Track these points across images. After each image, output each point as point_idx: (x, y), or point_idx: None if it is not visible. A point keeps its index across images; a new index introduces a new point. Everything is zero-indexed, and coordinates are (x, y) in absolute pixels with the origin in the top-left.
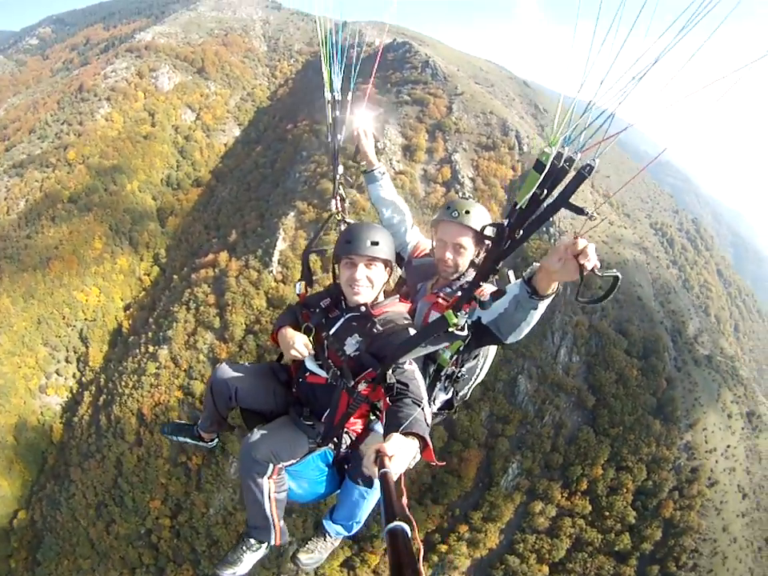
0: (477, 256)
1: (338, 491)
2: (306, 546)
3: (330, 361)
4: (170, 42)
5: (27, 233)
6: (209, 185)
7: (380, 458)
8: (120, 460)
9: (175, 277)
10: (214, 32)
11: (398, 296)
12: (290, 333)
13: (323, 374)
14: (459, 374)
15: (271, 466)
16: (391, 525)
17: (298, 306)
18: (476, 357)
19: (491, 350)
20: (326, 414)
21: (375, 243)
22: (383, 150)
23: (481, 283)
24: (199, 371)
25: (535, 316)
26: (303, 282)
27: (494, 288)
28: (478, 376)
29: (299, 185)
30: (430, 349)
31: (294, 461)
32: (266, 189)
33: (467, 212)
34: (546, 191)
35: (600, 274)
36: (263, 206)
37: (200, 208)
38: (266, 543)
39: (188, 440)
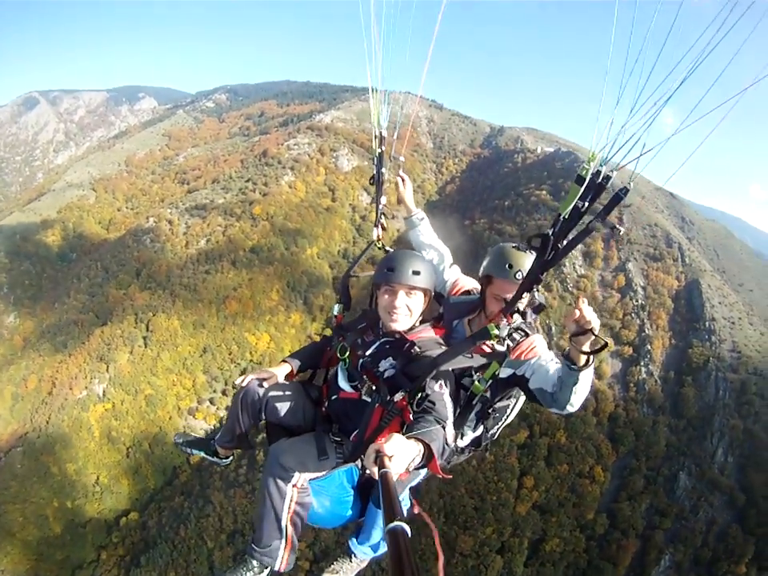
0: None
1: (362, 518)
2: (332, 566)
3: (364, 377)
4: (347, 127)
5: (206, 269)
6: None
7: (380, 457)
8: None
9: None
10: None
11: (429, 323)
12: (276, 367)
13: (358, 390)
14: (491, 410)
15: (297, 474)
16: (391, 525)
17: (337, 329)
18: (510, 396)
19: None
20: (357, 430)
21: (417, 272)
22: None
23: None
24: None
25: (579, 392)
26: (341, 305)
27: (542, 347)
28: (508, 417)
29: None
30: (469, 363)
31: (319, 474)
32: None
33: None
34: (586, 204)
35: (596, 334)
36: None
37: None
38: (269, 568)
39: (202, 454)
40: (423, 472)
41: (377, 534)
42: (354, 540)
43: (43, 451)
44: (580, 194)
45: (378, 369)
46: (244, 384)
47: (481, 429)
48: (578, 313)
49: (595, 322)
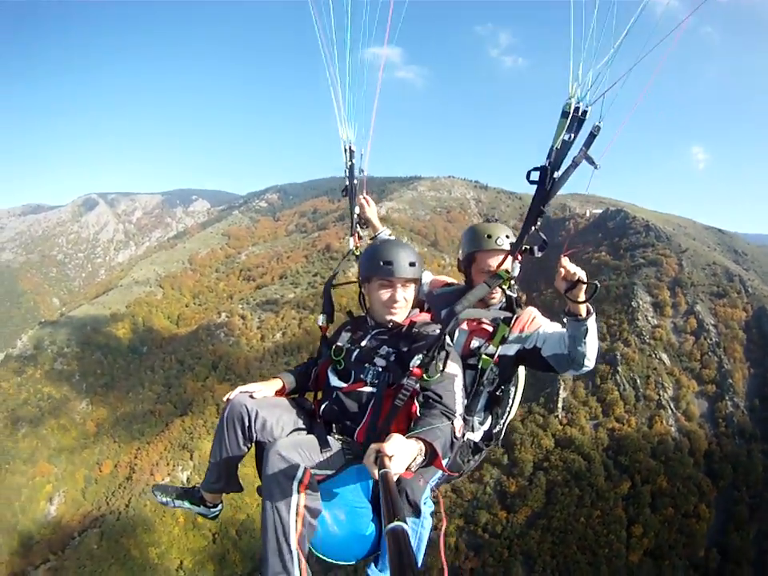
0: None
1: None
2: None
3: (366, 365)
4: (402, 217)
5: (286, 360)
6: None
7: (380, 457)
8: None
9: None
10: (437, 209)
11: (417, 309)
12: (267, 381)
13: (361, 381)
14: (499, 393)
15: (302, 468)
16: (391, 525)
17: (323, 339)
18: (510, 382)
19: (521, 377)
20: (360, 426)
21: (413, 264)
22: (637, 308)
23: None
24: (485, 501)
25: (590, 343)
26: (325, 315)
27: (538, 319)
28: (511, 408)
29: None
30: (485, 315)
31: (328, 471)
32: None
33: (507, 236)
34: (571, 135)
35: (585, 281)
36: None
37: None
38: None
39: (187, 505)
40: (437, 475)
41: None
42: (374, 567)
43: (123, 534)
44: (566, 126)
45: (378, 354)
46: (231, 397)
47: (490, 419)
48: (563, 271)
49: (580, 273)
